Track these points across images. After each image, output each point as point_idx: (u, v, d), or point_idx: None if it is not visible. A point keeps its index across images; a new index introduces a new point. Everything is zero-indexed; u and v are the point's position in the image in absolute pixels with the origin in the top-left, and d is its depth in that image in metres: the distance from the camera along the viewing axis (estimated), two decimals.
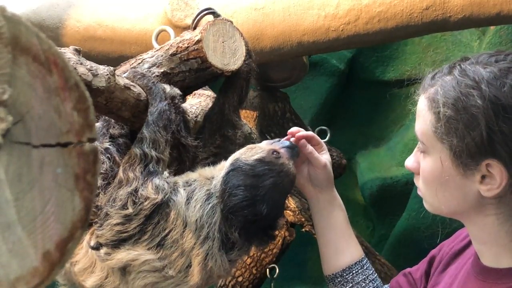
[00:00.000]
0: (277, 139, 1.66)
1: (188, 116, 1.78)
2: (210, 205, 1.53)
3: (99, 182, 1.55)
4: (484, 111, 1.26)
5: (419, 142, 1.41)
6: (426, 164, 1.39)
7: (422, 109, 1.38)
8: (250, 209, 1.50)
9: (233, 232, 1.51)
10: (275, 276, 2.98)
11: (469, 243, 1.53)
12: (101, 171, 1.56)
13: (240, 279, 2.92)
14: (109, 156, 1.59)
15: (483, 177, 1.30)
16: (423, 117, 1.37)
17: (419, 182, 1.43)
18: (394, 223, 3.87)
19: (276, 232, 1.69)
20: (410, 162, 1.45)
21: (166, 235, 1.50)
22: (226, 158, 1.64)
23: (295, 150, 1.64)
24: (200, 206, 1.53)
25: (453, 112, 1.29)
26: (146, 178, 1.51)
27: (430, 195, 1.40)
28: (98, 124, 1.65)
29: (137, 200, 1.49)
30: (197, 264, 1.51)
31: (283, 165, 1.57)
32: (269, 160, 1.56)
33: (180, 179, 1.58)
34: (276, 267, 2.98)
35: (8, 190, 0.71)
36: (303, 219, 2.95)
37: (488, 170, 1.29)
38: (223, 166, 1.60)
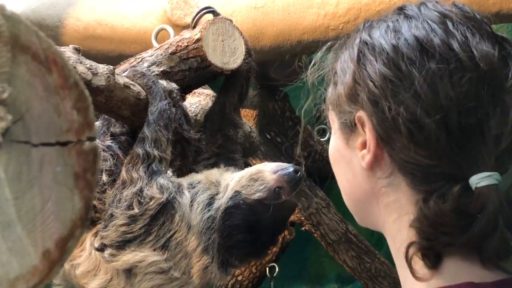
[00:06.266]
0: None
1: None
2: (210, 213, 1.52)
3: (106, 178, 1.56)
4: (353, 53, 1.06)
5: None
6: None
7: None
8: (249, 248, 1.53)
9: (233, 260, 1.53)
10: (275, 275, 2.98)
11: None
12: (106, 168, 1.56)
13: (239, 278, 2.92)
14: (112, 153, 1.59)
15: (364, 145, 1.04)
16: None
17: None
18: None
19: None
20: None
21: (171, 236, 1.50)
22: (228, 158, 1.64)
23: (298, 175, 1.55)
24: (201, 209, 1.52)
25: (337, 64, 1.11)
26: (150, 178, 1.51)
27: (340, 186, 1.14)
28: (97, 123, 1.65)
29: (142, 200, 1.49)
30: (197, 270, 1.51)
31: (284, 203, 1.54)
32: (270, 202, 1.53)
33: (185, 181, 1.58)
34: (276, 266, 2.97)
35: (7, 189, 0.71)
36: (302, 218, 2.95)
37: (364, 130, 1.03)
38: (231, 178, 1.58)
